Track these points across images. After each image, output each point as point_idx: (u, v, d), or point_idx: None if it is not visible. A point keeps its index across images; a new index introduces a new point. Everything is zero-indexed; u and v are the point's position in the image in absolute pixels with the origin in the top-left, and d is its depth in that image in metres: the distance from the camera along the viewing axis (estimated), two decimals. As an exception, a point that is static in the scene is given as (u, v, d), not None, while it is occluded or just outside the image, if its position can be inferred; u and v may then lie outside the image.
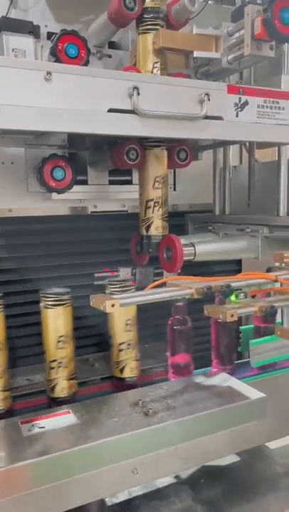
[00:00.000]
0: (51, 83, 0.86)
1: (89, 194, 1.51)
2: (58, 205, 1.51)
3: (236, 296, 1.13)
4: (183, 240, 1.28)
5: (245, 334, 1.58)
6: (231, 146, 1.59)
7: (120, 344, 1.23)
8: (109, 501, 1.46)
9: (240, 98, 1.08)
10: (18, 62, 0.85)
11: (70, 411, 1.14)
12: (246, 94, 1.09)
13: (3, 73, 0.82)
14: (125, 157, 1.23)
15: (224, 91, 1.06)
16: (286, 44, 1.28)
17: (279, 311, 1.27)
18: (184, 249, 1.23)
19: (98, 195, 1.52)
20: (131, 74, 0.98)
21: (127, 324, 1.21)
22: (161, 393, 1.24)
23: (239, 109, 1.08)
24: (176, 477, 1.57)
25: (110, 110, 0.93)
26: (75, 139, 1.41)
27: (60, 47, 1.13)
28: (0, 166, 1.42)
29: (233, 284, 1.01)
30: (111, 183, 1.53)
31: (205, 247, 1.28)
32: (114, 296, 0.91)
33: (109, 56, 1.43)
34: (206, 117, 1.03)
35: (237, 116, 1.08)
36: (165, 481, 1.55)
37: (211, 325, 1.43)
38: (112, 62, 1.42)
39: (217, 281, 1.00)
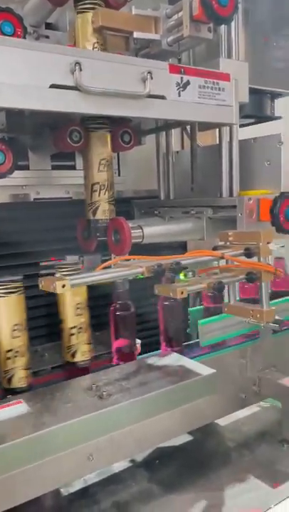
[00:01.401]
0: (-11, 56, 0.82)
1: (31, 180, 1.47)
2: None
3: (185, 275, 1.14)
4: (130, 224, 1.28)
5: (193, 315, 1.61)
6: (173, 131, 1.61)
7: (71, 328, 1.21)
8: (65, 491, 1.43)
9: (182, 78, 1.09)
10: None
11: (22, 400, 1.10)
12: (188, 74, 1.10)
13: None
14: (68, 139, 1.20)
15: (166, 70, 1.06)
16: (223, 26, 1.31)
17: (226, 289, 1.31)
18: (132, 231, 1.23)
19: (40, 181, 1.49)
20: (74, 49, 0.96)
21: (77, 308, 1.19)
22: (115, 376, 1.23)
23: (181, 89, 1.09)
24: (132, 461, 1.57)
25: (52, 86, 0.90)
26: (14, 122, 1.35)
27: None
28: None
29: (182, 262, 1.02)
30: (54, 168, 1.50)
31: (152, 230, 1.29)
32: (72, 277, 0.89)
33: (47, 37, 1.39)
34: (149, 96, 1.03)
35: (179, 95, 1.09)
36: (121, 465, 1.55)
37: (158, 308, 1.44)
38: (50, 42, 1.38)
39: (166, 259, 1.01)
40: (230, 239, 1.21)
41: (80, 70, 0.92)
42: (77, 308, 1.21)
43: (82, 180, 1.37)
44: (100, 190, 1.26)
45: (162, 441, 1.43)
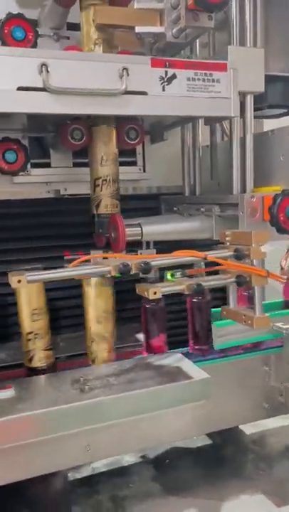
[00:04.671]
0: None
1: (53, 177, 1.53)
2: (26, 189, 1.54)
3: (172, 275, 1.11)
4: (130, 221, 1.28)
5: (215, 316, 1.55)
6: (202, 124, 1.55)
7: (28, 334, 1.21)
8: (72, 476, 1.49)
9: (166, 72, 1.05)
10: None
11: (12, 386, 1.17)
12: (174, 67, 1.06)
13: None
14: (70, 137, 1.24)
15: (147, 64, 1.03)
16: (234, 13, 1.23)
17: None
18: (128, 229, 1.22)
19: (63, 178, 1.54)
20: (39, 51, 0.98)
21: (33, 314, 1.19)
22: (108, 371, 1.24)
23: (166, 83, 1.05)
24: (143, 456, 1.58)
25: (20, 88, 0.94)
26: (34, 123, 1.43)
27: (6, 30, 1.15)
28: None
29: (156, 262, 0.99)
30: (76, 165, 1.54)
31: (153, 228, 1.27)
32: (25, 273, 0.92)
33: (68, 38, 1.43)
34: (127, 93, 1.01)
35: (164, 90, 1.05)
36: (131, 459, 1.57)
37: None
38: (70, 43, 1.41)
39: (138, 259, 0.99)
40: (228, 239, 1.15)
41: (48, 71, 0.94)
42: (33, 314, 1.21)
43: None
44: (103, 184, 1.27)
45: (153, 443, 1.40)
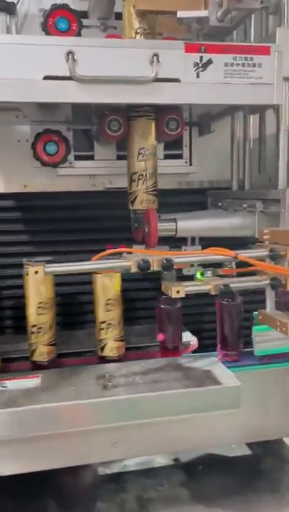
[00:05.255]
0: (-17, 54, 0.89)
1: (97, 170, 1.52)
2: (71, 182, 1.54)
3: (202, 274, 1.05)
4: (168, 216, 1.23)
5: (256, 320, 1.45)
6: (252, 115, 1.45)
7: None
8: (102, 471, 1.49)
9: (201, 57, 0.99)
10: None
11: (40, 376, 1.18)
12: (210, 51, 0.99)
13: None
14: (107, 129, 1.21)
15: (180, 50, 0.97)
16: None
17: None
18: (161, 224, 1.18)
19: (107, 171, 1.52)
20: (66, 39, 0.96)
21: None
22: (135, 369, 1.21)
23: (201, 69, 0.99)
24: (176, 459, 1.54)
25: (46, 77, 0.92)
26: (79, 115, 1.42)
27: (50, 22, 1.16)
28: (16, 144, 1.49)
29: (180, 259, 0.94)
30: (120, 158, 1.52)
31: (189, 224, 1.21)
32: (47, 265, 0.92)
33: (115, 28, 1.40)
34: (158, 80, 0.96)
35: (198, 77, 0.99)
36: (163, 461, 1.53)
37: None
38: (117, 33, 1.39)
39: (160, 255, 0.94)
40: (266, 237, 1.06)
41: (74, 59, 0.92)
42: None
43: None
44: (139, 180, 1.24)
45: (174, 448, 1.34)
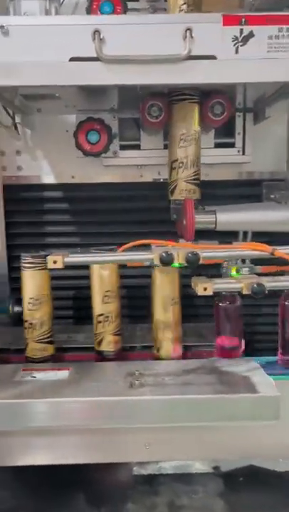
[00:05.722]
0: (8, 37, 0.87)
1: (143, 159, 1.46)
2: (117, 172, 1.51)
3: (238, 271, 0.96)
4: (209, 208, 1.15)
5: None
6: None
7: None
8: (137, 471, 1.44)
9: (241, 30, 0.89)
10: None
11: (70, 368, 1.16)
12: (251, 23, 0.89)
13: None
14: (147, 115, 1.15)
15: (218, 23, 0.89)
16: None
17: None
18: (199, 216, 1.10)
19: (154, 161, 1.46)
20: (93, 17, 0.92)
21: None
22: (168, 369, 1.15)
23: (240, 44, 0.89)
24: (216, 468, 1.45)
25: (72, 59, 0.89)
26: (124, 102, 1.38)
27: (94, 6, 1.13)
28: (64, 134, 1.49)
29: (208, 254, 0.86)
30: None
31: (231, 216, 1.12)
32: (70, 255, 0.88)
33: (165, 9, 1.34)
34: (192, 57, 0.89)
35: (237, 52, 0.89)
36: (202, 468, 1.45)
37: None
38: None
39: (187, 248, 0.87)
40: (312, 233, 0.94)
41: (100, 38, 0.87)
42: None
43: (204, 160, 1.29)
44: (179, 168, 1.16)
45: (221, 455, 1.25)
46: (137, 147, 1.44)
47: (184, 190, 1.17)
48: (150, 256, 0.88)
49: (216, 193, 1.44)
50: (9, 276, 1.55)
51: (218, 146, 1.45)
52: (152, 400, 0.98)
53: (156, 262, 0.87)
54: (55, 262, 0.85)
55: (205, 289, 0.85)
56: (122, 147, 1.43)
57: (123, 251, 0.92)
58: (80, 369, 1.16)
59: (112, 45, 0.88)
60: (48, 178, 1.53)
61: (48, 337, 1.21)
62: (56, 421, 0.96)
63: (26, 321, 1.18)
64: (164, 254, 0.85)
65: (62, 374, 1.14)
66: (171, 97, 1.14)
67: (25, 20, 0.87)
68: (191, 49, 0.88)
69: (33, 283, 1.14)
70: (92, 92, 1.28)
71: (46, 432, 1.08)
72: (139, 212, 1.54)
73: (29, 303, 1.15)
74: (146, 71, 0.89)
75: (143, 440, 1.16)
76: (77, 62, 0.89)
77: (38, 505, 1.29)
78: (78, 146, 1.31)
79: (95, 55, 0.88)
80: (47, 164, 1.53)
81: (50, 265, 0.86)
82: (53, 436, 1.12)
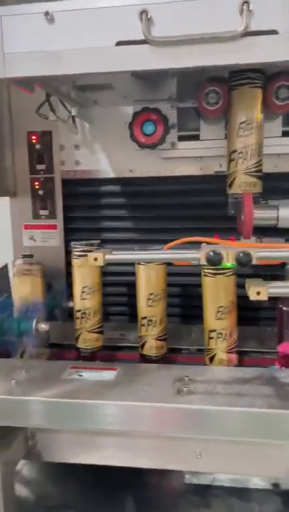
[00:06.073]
0: (54, 23, 0.84)
1: (203, 151, 1.38)
2: (176, 165, 1.45)
3: (299, 273, 0.85)
4: (272, 202, 1.05)
5: None
6: None
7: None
8: (189, 479, 1.38)
9: (307, -2, 0.78)
10: (18, 8, 0.86)
11: (117, 369, 1.12)
12: None
13: (6, 22, 0.85)
14: (203, 102, 1.07)
15: (280, -8, 0.78)
16: None
17: None
18: (258, 211, 1.00)
19: (215, 152, 1.38)
20: None
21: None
22: (222, 377, 1.07)
23: (306, 15, 0.78)
24: (275, 485, 1.34)
25: (119, 43, 0.83)
26: (183, 91, 1.31)
27: None
28: (122, 127, 1.45)
29: (262, 254, 0.77)
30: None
31: (294, 211, 1.01)
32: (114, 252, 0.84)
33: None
34: (249, 33, 0.79)
35: (302, 24, 0.78)
36: (260, 483, 1.35)
37: None
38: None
39: (239, 247, 0.78)
40: None
41: (148, 18, 0.80)
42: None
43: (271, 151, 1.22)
44: (238, 159, 1.07)
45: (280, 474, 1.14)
46: (196, 138, 1.36)
47: (243, 183, 1.07)
48: (196, 255, 0.80)
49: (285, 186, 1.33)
50: (66, 271, 1.55)
51: (286, 134, 1.32)
52: (199, 410, 0.91)
53: (203, 261, 0.79)
54: (95, 259, 0.80)
55: (258, 293, 0.76)
56: (181, 138, 1.36)
57: (169, 249, 0.85)
58: (127, 370, 1.11)
59: (160, 25, 0.81)
60: (106, 172, 1.50)
61: (100, 327, 1.19)
62: (96, 424, 0.92)
63: (79, 311, 1.16)
64: (211, 253, 0.77)
65: (109, 374, 1.10)
66: (229, 81, 1.05)
67: (69, 5, 0.82)
68: (248, 24, 0.78)
69: (85, 271, 1.11)
70: (149, 81, 1.22)
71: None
72: (199, 207, 1.46)
73: (83, 292, 1.13)
74: (198, 52, 0.81)
75: (195, 449, 1.10)
76: (124, 47, 0.83)
77: (86, 504, 1.27)
78: (133, 138, 1.25)
79: (142, 38, 0.82)
80: (105, 158, 1.50)
81: (91, 262, 0.81)
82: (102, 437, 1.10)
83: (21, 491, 1.33)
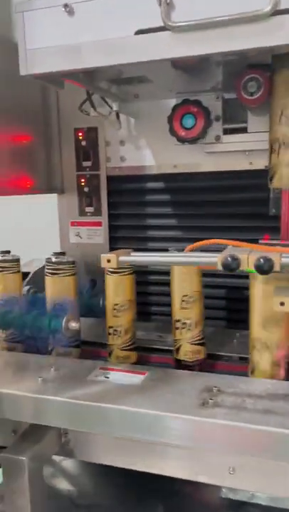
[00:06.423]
0: (73, 16, 0.81)
1: (250, 144, 1.29)
2: (223, 160, 1.37)
3: None
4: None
5: None
6: None
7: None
8: (225, 494, 1.31)
9: None
10: (37, 3, 0.83)
11: (146, 373, 1.08)
12: None
13: (27, 17, 0.84)
14: (242, 91, 0.99)
15: None
16: None
17: None
18: (297, 209, 0.90)
19: (263, 146, 1.27)
20: None
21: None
22: (254, 390, 0.99)
23: None
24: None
25: (138, 32, 0.78)
26: (230, 80, 1.22)
27: None
28: (165, 121, 1.40)
29: (285, 260, 0.69)
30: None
31: None
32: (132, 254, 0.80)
33: None
34: (278, 12, 0.71)
35: None
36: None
37: None
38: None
39: (263, 251, 0.71)
40: None
41: (167, 2, 0.74)
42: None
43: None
44: (280, 149, 0.98)
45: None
46: (244, 130, 1.27)
47: (284, 176, 0.98)
48: (213, 259, 0.73)
49: None
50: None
51: None
52: (217, 425, 0.84)
53: (220, 265, 0.72)
54: (108, 261, 0.77)
55: (282, 303, 0.67)
56: (226, 131, 1.27)
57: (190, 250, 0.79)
58: (156, 375, 1.07)
59: (180, 10, 0.75)
60: (150, 168, 1.46)
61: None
62: (110, 428, 0.90)
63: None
64: (229, 258, 0.70)
65: (137, 378, 1.06)
66: (270, 67, 0.95)
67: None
68: (277, 1, 0.69)
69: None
70: (191, 71, 1.16)
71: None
72: (248, 204, 1.37)
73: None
74: (222, 36, 0.74)
75: (228, 463, 1.03)
76: (143, 35, 0.78)
77: (118, 507, 1.25)
78: (172, 132, 1.20)
79: (162, 25, 0.76)
80: (149, 153, 1.46)
81: (104, 264, 0.78)
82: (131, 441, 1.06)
83: (56, 486, 1.34)
